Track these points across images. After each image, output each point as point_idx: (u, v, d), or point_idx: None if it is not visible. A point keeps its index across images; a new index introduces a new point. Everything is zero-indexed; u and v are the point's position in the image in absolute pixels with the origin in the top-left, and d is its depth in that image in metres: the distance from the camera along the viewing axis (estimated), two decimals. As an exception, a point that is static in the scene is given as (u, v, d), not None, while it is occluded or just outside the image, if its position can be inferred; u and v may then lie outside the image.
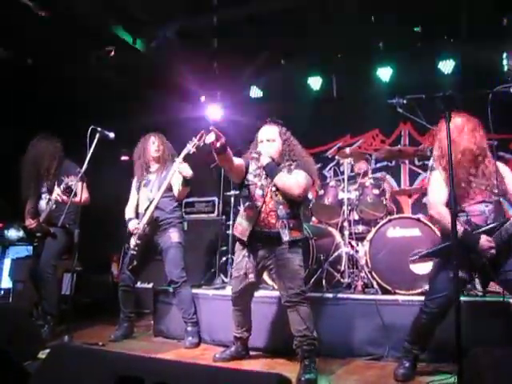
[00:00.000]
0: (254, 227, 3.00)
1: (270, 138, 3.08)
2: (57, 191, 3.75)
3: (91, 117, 4.01)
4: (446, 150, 2.62)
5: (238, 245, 3.16)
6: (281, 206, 2.97)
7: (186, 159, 3.67)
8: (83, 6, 4.60)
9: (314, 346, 2.86)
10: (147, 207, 3.84)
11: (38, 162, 3.98)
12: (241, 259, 3.10)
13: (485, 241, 2.56)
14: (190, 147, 3.63)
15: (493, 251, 2.54)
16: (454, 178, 2.63)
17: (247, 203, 3.06)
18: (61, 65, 5.36)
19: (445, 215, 2.64)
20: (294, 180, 2.94)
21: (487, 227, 2.62)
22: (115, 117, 5.59)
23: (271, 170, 2.97)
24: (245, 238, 3.02)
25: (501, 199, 2.75)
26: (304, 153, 3.16)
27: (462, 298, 2.89)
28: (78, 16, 4.63)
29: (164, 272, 3.97)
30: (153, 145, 4.03)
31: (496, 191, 2.68)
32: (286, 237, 2.94)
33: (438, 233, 3.64)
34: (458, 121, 2.75)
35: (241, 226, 3.08)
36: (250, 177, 3.09)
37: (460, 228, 2.59)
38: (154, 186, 3.92)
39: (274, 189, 2.99)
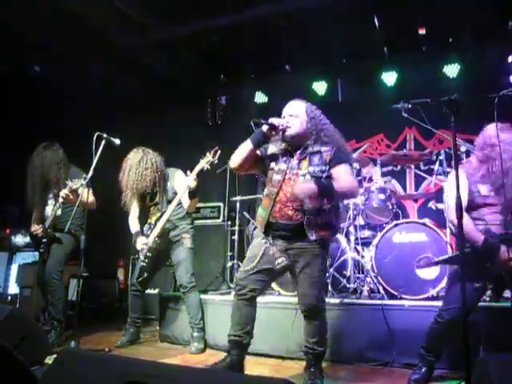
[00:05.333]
0: (269, 219, 2.64)
1: (293, 114, 2.71)
2: (63, 192, 3.76)
3: (97, 122, 4.05)
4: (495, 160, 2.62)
5: (257, 232, 2.79)
6: (307, 199, 2.55)
7: (199, 175, 3.56)
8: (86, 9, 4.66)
9: (322, 357, 2.80)
10: (158, 218, 3.83)
11: (45, 175, 3.96)
12: (258, 245, 2.72)
13: (504, 251, 2.52)
14: (203, 163, 3.51)
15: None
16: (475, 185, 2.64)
17: (265, 191, 2.74)
18: (64, 69, 5.42)
19: (465, 221, 2.60)
20: (349, 183, 2.61)
21: (505, 235, 2.58)
22: (122, 122, 5.65)
23: (326, 187, 2.54)
24: (263, 229, 2.69)
25: None
26: (337, 134, 2.76)
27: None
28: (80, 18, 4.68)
29: (170, 278, 3.97)
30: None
31: None
32: (312, 236, 2.56)
33: (444, 237, 3.63)
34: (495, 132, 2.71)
35: (260, 216, 2.73)
36: (267, 161, 2.78)
37: (481, 236, 2.56)
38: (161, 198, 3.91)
39: (300, 178, 2.60)
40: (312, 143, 2.67)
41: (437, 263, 3.34)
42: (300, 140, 2.69)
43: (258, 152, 2.74)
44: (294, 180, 2.59)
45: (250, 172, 2.88)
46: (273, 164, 2.72)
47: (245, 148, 2.66)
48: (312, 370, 2.75)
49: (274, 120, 2.61)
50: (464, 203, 2.66)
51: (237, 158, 2.69)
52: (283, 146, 2.76)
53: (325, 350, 2.77)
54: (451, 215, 2.71)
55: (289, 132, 2.64)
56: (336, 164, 2.63)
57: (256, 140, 2.64)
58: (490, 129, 2.72)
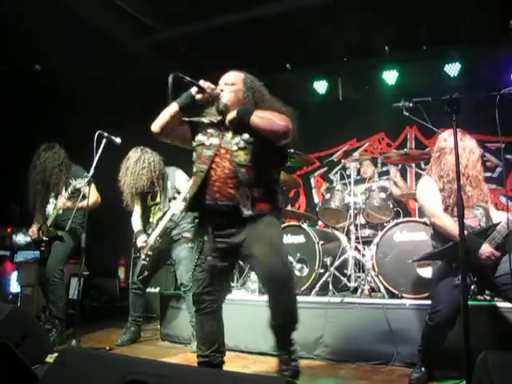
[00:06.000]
0: (206, 200, 2.32)
1: (229, 82, 2.45)
2: (62, 199, 3.78)
3: (98, 121, 4.04)
4: (446, 162, 2.76)
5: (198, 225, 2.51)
6: (243, 169, 2.29)
7: None
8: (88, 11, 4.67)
9: (291, 333, 2.42)
10: (160, 217, 3.83)
11: (47, 178, 3.97)
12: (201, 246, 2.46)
13: (487, 247, 2.56)
14: None
15: (493, 258, 2.55)
16: (450, 187, 2.70)
17: (193, 168, 2.45)
18: (65, 67, 5.42)
19: (448, 221, 2.66)
20: (272, 114, 2.32)
21: (481, 228, 2.64)
22: (122, 121, 5.65)
23: (244, 110, 2.32)
24: (189, 210, 2.46)
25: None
26: (283, 108, 2.47)
27: (469, 303, 2.86)
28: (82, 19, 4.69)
29: (171, 277, 3.98)
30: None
31: (482, 199, 2.76)
32: (247, 210, 2.25)
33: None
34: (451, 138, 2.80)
35: (188, 198, 2.46)
36: (198, 136, 2.48)
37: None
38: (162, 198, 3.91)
39: (234, 148, 2.33)
40: None
41: (425, 259, 3.34)
42: (235, 109, 2.39)
43: (187, 119, 2.49)
44: (231, 154, 2.32)
45: (176, 142, 2.58)
46: (203, 138, 2.44)
47: (169, 110, 2.39)
48: (283, 353, 2.37)
49: (202, 82, 2.35)
50: (440, 203, 2.74)
51: (158, 121, 2.42)
52: (219, 118, 2.47)
53: (295, 324, 2.37)
54: (432, 218, 2.77)
55: (221, 100, 2.38)
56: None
57: (182, 102, 2.37)
58: (442, 134, 2.89)
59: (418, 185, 2.98)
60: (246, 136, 2.35)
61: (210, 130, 2.46)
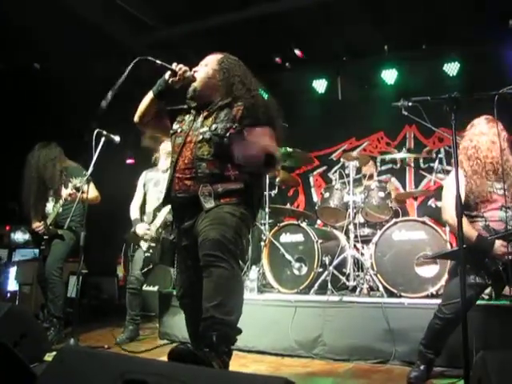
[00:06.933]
0: (172, 192, 2.22)
1: (203, 64, 2.34)
2: (65, 192, 3.77)
3: (99, 121, 4.04)
4: (472, 153, 2.70)
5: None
6: (203, 164, 2.13)
7: None
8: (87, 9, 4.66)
9: (227, 335, 2.01)
10: (157, 208, 3.83)
11: (41, 174, 3.98)
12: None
13: (500, 246, 2.53)
14: None
15: (507, 250, 2.51)
16: (473, 183, 2.64)
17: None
18: (64, 66, 5.42)
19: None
20: (256, 145, 2.09)
21: (505, 233, 2.58)
22: (122, 119, 5.63)
23: (224, 149, 2.12)
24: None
25: None
26: (258, 92, 2.30)
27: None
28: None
29: (169, 275, 3.97)
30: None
31: None
32: (209, 205, 2.08)
33: (444, 235, 3.64)
34: (482, 125, 2.76)
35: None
36: (174, 125, 2.38)
37: (474, 233, 2.57)
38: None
39: (199, 138, 2.18)
40: (223, 98, 2.25)
41: (434, 257, 3.36)
42: (207, 93, 2.27)
43: (167, 108, 2.42)
44: (194, 144, 2.16)
45: (158, 132, 2.57)
46: (177, 126, 2.33)
47: (146, 98, 2.33)
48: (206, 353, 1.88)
49: (175, 65, 2.24)
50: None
51: (137, 111, 2.37)
52: (194, 104, 2.36)
53: (233, 323, 2.00)
54: (445, 215, 2.73)
55: (193, 84, 2.25)
56: (250, 125, 2.15)
57: (156, 88, 2.27)
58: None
59: (447, 179, 2.93)
60: (214, 126, 2.18)
61: (185, 117, 2.36)
